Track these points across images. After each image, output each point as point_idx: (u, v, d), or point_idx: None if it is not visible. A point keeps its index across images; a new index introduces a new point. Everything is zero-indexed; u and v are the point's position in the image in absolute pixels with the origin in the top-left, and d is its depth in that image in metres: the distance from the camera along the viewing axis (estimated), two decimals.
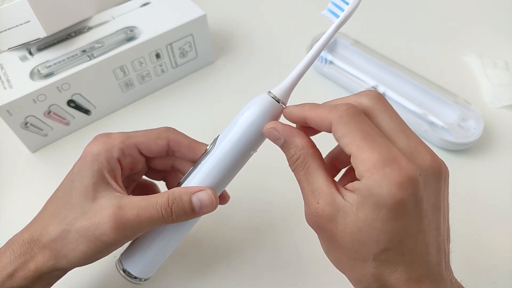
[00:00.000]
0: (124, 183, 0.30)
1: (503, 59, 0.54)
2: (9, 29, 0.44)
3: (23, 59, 0.46)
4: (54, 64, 0.45)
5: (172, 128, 0.31)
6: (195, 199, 0.27)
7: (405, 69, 0.49)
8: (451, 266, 0.25)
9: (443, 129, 0.45)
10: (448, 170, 0.25)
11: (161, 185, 0.36)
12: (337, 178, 0.28)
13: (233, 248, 0.38)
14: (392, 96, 0.48)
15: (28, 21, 0.43)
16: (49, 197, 0.29)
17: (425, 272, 0.22)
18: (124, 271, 0.30)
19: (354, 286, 0.24)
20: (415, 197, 0.21)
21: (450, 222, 0.26)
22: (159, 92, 0.53)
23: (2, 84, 0.43)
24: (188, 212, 0.27)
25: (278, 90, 0.27)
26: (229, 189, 0.30)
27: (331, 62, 0.53)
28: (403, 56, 0.52)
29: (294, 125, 0.27)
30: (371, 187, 0.21)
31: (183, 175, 0.30)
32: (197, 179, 0.28)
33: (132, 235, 0.27)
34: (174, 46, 0.50)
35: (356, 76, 0.51)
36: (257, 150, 0.28)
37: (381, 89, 0.49)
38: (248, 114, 0.26)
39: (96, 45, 0.47)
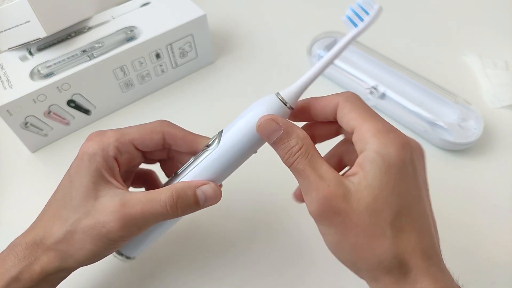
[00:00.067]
0: (122, 177, 0.30)
1: (503, 59, 0.54)
2: (9, 29, 0.44)
3: (23, 59, 0.46)
4: (54, 64, 0.45)
5: (166, 121, 0.31)
6: (199, 192, 0.27)
7: (405, 69, 0.49)
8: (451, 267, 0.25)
9: (443, 129, 0.45)
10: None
11: (157, 168, 0.36)
12: None
13: (230, 244, 0.38)
14: (392, 96, 0.48)
15: (28, 21, 0.43)
16: (49, 197, 0.29)
17: (431, 246, 0.24)
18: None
19: (371, 274, 0.23)
20: (412, 162, 0.24)
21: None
22: (159, 92, 0.53)
23: (2, 84, 0.43)
24: (193, 205, 0.28)
25: (286, 92, 0.26)
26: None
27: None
28: (403, 56, 0.51)
29: None
30: (379, 149, 0.23)
31: (180, 163, 0.30)
32: (200, 173, 0.28)
33: (138, 230, 0.27)
34: (174, 46, 0.50)
35: (356, 76, 0.51)
36: (257, 151, 0.28)
37: (381, 89, 0.48)
38: (255, 114, 0.26)
39: (96, 45, 0.47)
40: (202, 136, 0.31)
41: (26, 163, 0.47)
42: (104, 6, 0.52)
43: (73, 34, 0.48)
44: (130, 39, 0.47)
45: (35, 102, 0.43)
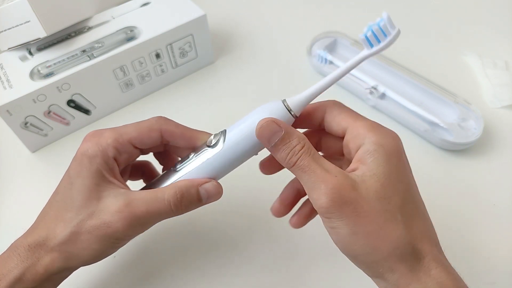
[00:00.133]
0: (121, 173, 0.30)
1: (503, 59, 0.54)
2: (9, 29, 0.44)
3: (23, 59, 0.46)
4: (54, 64, 0.45)
5: (163, 117, 0.31)
6: (202, 191, 0.28)
7: (405, 69, 0.49)
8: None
9: (443, 129, 0.45)
10: None
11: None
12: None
13: (230, 240, 0.38)
14: (392, 96, 0.48)
15: (28, 21, 0.43)
16: (49, 197, 0.29)
17: (434, 233, 0.25)
18: None
19: (387, 264, 0.23)
20: (404, 152, 0.25)
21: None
22: (159, 92, 0.53)
23: (2, 84, 0.43)
24: (196, 203, 0.28)
25: (293, 100, 0.26)
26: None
27: (331, 62, 0.53)
28: (403, 56, 0.51)
29: None
30: (378, 141, 0.24)
31: (178, 156, 0.31)
32: (203, 172, 0.28)
33: (142, 229, 0.28)
34: (174, 46, 0.50)
35: (356, 76, 0.51)
36: (258, 153, 0.29)
37: (381, 89, 0.48)
38: (260, 118, 0.26)
39: (96, 45, 0.47)
40: (200, 131, 0.31)
41: (26, 163, 0.47)
42: (104, 6, 0.52)
43: (73, 34, 0.48)
44: (130, 39, 0.47)
45: (35, 102, 0.43)
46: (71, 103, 0.46)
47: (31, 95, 0.43)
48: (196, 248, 0.39)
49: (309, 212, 0.32)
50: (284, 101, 0.27)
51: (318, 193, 0.24)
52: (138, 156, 0.32)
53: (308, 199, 0.32)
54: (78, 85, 0.45)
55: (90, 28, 0.49)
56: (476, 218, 0.40)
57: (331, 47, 0.54)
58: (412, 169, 0.26)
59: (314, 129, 0.30)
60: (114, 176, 0.28)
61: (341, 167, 0.25)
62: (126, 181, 0.34)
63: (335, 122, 0.27)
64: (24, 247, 0.27)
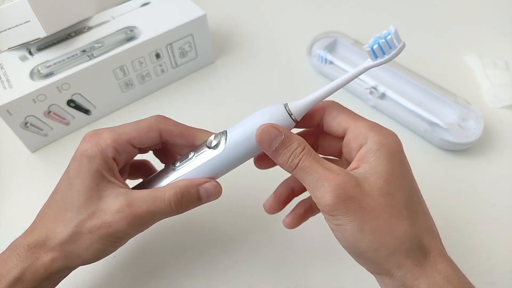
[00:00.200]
0: (120, 172, 0.31)
1: (503, 59, 0.54)
2: (9, 29, 0.44)
3: (23, 59, 0.46)
4: (54, 64, 0.45)
5: (161, 116, 0.31)
6: (202, 190, 0.28)
7: (405, 69, 0.49)
8: None
9: (443, 129, 0.45)
10: None
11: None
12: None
13: (229, 239, 0.38)
14: (392, 96, 0.48)
15: (28, 21, 0.43)
16: (47, 198, 0.29)
17: (436, 228, 0.25)
18: None
19: (393, 260, 0.23)
20: (403, 151, 0.26)
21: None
22: (159, 92, 0.53)
23: (2, 84, 0.43)
24: (195, 202, 0.29)
25: (294, 105, 0.27)
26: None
27: (331, 62, 0.53)
28: (403, 56, 0.51)
29: None
30: (380, 140, 0.24)
31: (177, 153, 0.31)
32: (204, 172, 0.29)
33: (143, 227, 0.28)
34: (174, 46, 0.50)
35: None
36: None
37: (381, 89, 0.48)
38: (262, 121, 0.26)
39: (96, 45, 0.47)
40: (199, 129, 0.31)
41: (26, 163, 0.47)
42: (104, 6, 0.52)
43: (73, 34, 0.48)
44: (130, 39, 0.47)
45: (35, 102, 0.43)
46: (71, 103, 0.46)
47: (31, 95, 0.43)
48: (196, 248, 0.39)
49: (303, 213, 0.32)
50: (286, 105, 0.27)
51: (322, 191, 0.24)
52: (136, 155, 0.32)
53: (302, 201, 0.32)
54: (78, 85, 0.45)
55: (90, 28, 0.49)
56: (476, 218, 0.40)
57: (331, 47, 0.54)
58: (412, 169, 0.26)
59: (311, 130, 0.30)
60: (113, 176, 0.28)
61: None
62: (125, 180, 0.34)
63: (335, 122, 0.27)
64: (23, 247, 0.27)
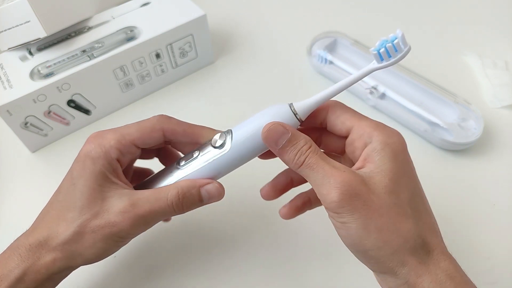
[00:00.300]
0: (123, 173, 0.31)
1: (503, 59, 0.54)
2: (9, 29, 0.44)
3: (23, 59, 0.46)
4: (54, 64, 0.45)
5: (164, 116, 0.31)
6: (203, 192, 0.28)
7: (405, 69, 0.49)
8: None
9: (443, 129, 0.45)
10: None
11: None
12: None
13: (230, 238, 0.38)
14: (392, 96, 0.48)
15: (28, 21, 0.43)
16: (49, 197, 0.29)
17: (438, 227, 0.26)
18: None
19: (397, 258, 0.23)
20: (407, 150, 0.26)
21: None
22: (159, 92, 0.53)
23: (2, 84, 0.43)
24: (197, 203, 0.29)
25: (299, 105, 0.27)
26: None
27: (331, 62, 0.53)
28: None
29: None
30: (384, 139, 0.25)
31: (180, 152, 0.31)
32: (208, 172, 0.29)
33: (146, 227, 0.29)
34: (174, 46, 0.50)
35: None
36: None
37: (381, 89, 0.48)
38: (267, 121, 0.26)
39: (96, 45, 0.47)
40: (202, 127, 0.31)
41: (26, 163, 0.47)
42: (104, 6, 0.52)
43: (73, 34, 0.48)
44: (130, 39, 0.47)
45: (35, 102, 0.43)
46: (71, 103, 0.46)
47: (31, 95, 0.43)
48: (196, 247, 0.39)
49: (301, 205, 0.32)
50: (291, 105, 0.27)
51: (328, 188, 0.24)
52: (139, 155, 0.32)
53: (301, 193, 0.32)
54: (78, 85, 0.45)
55: (90, 28, 0.49)
56: (476, 218, 0.40)
57: (331, 47, 0.54)
58: None
59: (314, 128, 0.30)
60: (117, 177, 0.29)
61: None
62: (130, 174, 0.34)
63: (339, 121, 0.27)
64: (25, 247, 0.27)
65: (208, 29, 0.51)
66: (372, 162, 0.25)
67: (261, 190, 0.32)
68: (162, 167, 0.35)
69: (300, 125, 0.28)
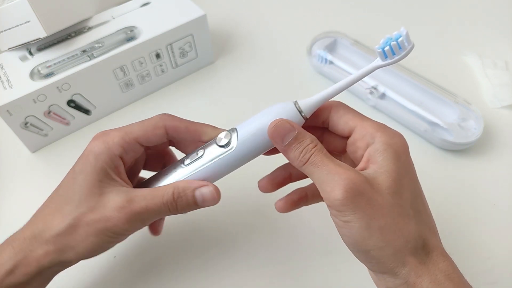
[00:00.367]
0: (127, 174, 0.31)
1: (503, 59, 0.54)
2: (9, 29, 0.44)
3: (23, 59, 0.46)
4: (54, 64, 0.45)
5: (167, 114, 0.31)
6: (198, 194, 0.28)
7: (405, 69, 0.49)
8: None
9: (443, 129, 0.45)
10: None
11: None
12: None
13: (231, 238, 0.39)
14: (392, 96, 0.48)
15: (28, 21, 0.43)
16: (48, 196, 0.29)
17: (436, 228, 0.26)
18: None
19: (398, 258, 0.23)
20: (409, 151, 0.26)
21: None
22: (159, 92, 0.53)
23: (2, 84, 0.43)
24: (192, 205, 0.28)
25: (304, 102, 0.27)
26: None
27: (331, 62, 0.53)
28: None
29: None
30: (387, 140, 0.25)
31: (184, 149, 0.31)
32: (213, 171, 0.29)
33: (141, 224, 0.28)
34: (174, 46, 0.50)
35: None
36: None
37: (381, 89, 0.48)
38: (272, 119, 0.26)
39: (96, 45, 0.47)
40: (205, 124, 0.31)
41: (26, 163, 0.47)
42: (104, 6, 0.52)
43: (73, 34, 0.48)
44: (130, 39, 0.47)
45: (35, 102, 0.43)
46: (71, 103, 0.46)
47: (31, 95, 0.43)
48: (196, 247, 0.39)
49: (297, 200, 0.32)
50: (295, 102, 0.27)
51: (332, 185, 0.24)
52: (143, 157, 0.32)
53: (299, 188, 0.32)
54: (78, 85, 0.45)
55: (90, 28, 0.49)
56: (476, 218, 0.40)
57: (331, 47, 0.54)
58: None
59: (314, 127, 0.30)
60: (118, 175, 0.29)
61: None
62: (136, 177, 0.34)
63: (342, 121, 0.27)
64: (19, 240, 0.27)
65: (208, 29, 0.51)
66: (375, 163, 0.25)
67: (259, 182, 0.32)
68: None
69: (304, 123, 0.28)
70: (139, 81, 0.50)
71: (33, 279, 0.27)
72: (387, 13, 0.62)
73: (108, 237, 0.27)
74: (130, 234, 0.29)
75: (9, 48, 0.46)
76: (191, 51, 0.52)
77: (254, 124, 0.27)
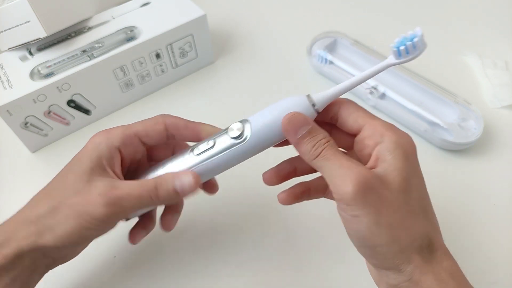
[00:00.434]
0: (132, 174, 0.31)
1: (503, 59, 0.54)
2: (9, 29, 0.44)
3: (23, 59, 0.46)
4: (54, 64, 0.45)
5: (167, 114, 0.32)
6: (177, 182, 0.28)
7: (405, 69, 0.49)
8: None
9: (443, 129, 0.45)
10: None
11: None
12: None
13: (232, 236, 0.39)
14: (392, 96, 0.48)
15: (28, 21, 0.43)
16: None
17: (439, 229, 0.26)
18: None
19: (404, 255, 0.24)
20: (416, 153, 0.26)
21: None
22: (159, 92, 0.53)
23: (2, 84, 0.43)
24: (172, 193, 0.28)
25: (317, 96, 0.27)
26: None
27: (331, 62, 0.53)
28: None
29: None
30: (397, 140, 0.25)
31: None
32: (222, 162, 0.28)
33: (122, 212, 0.28)
34: (174, 46, 0.50)
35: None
36: None
37: (381, 89, 0.49)
38: (285, 111, 0.26)
39: (96, 45, 0.47)
40: (204, 123, 0.31)
41: (26, 163, 0.47)
42: (104, 6, 0.52)
43: (73, 34, 0.48)
44: (130, 39, 0.47)
45: (35, 102, 0.43)
46: (71, 103, 0.46)
47: (31, 95, 0.43)
48: (196, 247, 0.39)
49: (300, 193, 0.32)
50: (308, 96, 0.27)
51: (343, 179, 0.24)
52: (143, 156, 0.32)
53: (302, 182, 0.32)
54: (78, 85, 0.45)
55: (90, 28, 0.49)
56: (476, 218, 0.40)
57: (331, 47, 0.54)
58: None
59: (321, 123, 0.30)
60: (111, 166, 0.29)
61: None
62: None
63: (352, 118, 0.27)
64: (8, 222, 0.28)
65: (208, 29, 0.51)
66: (384, 161, 0.25)
67: (263, 174, 0.32)
68: None
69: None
70: (139, 81, 0.50)
71: (13, 263, 0.27)
72: (387, 13, 0.62)
73: (87, 222, 0.27)
74: (111, 223, 0.28)
75: (9, 48, 0.46)
76: (191, 51, 0.52)
77: (268, 116, 0.27)
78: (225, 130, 0.29)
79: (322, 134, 0.26)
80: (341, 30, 0.55)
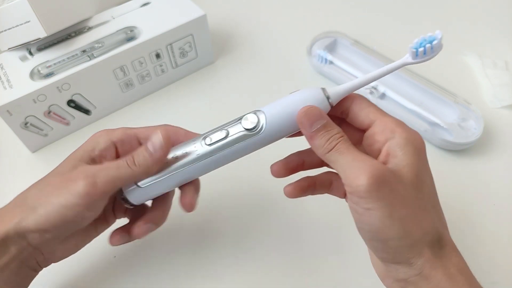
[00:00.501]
0: None
1: (503, 59, 0.54)
2: (9, 29, 0.44)
3: (23, 59, 0.46)
4: (54, 64, 0.45)
5: (169, 124, 0.32)
6: (149, 144, 0.29)
7: (405, 69, 0.49)
8: None
9: (443, 129, 0.45)
10: None
11: None
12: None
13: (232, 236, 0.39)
14: (392, 96, 0.48)
15: (28, 21, 0.43)
16: None
17: (447, 226, 0.27)
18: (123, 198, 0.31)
19: (415, 249, 0.24)
20: (425, 151, 0.26)
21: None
22: (159, 92, 0.53)
23: (2, 84, 0.43)
24: (147, 156, 0.28)
25: (332, 90, 0.27)
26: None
27: (331, 62, 0.53)
28: (403, 56, 0.51)
29: None
30: (408, 137, 0.25)
31: None
32: (235, 153, 0.28)
33: (102, 185, 0.27)
34: (174, 46, 0.50)
35: (356, 76, 0.51)
36: None
37: (381, 89, 0.49)
38: (301, 104, 0.27)
39: (96, 45, 0.47)
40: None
41: (26, 163, 0.47)
42: (104, 6, 0.52)
43: (73, 34, 0.48)
44: (130, 39, 0.47)
45: (35, 102, 0.43)
46: (71, 103, 0.46)
47: (31, 95, 0.43)
48: (196, 247, 0.39)
49: (306, 187, 0.32)
50: (324, 89, 0.27)
51: (357, 172, 0.24)
52: None
53: (308, 176, 0.32)
54: (78, 85, 0.45)
55: (90, 28, 0.49)
56: (476, 218, 0.40)
57: (331, 47, 0.54)
58: None
59: (332, 117, 0.30)
60: (103, 157, 0.30)
61: None
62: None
63: (363, 113, 0.27)
64: (2, 209, 0.29)
65: (208, 29, 0.51)
66: (395, 157, 0.25)
67: (272, 166, 0.32)
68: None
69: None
70: (139, 81, 0.50)
71: None
72: (387, 13, 0.62)
73: (67, 201, 0.26)
74: (93, 202, 0.27)
75: (9, 48, 0.46)
76: (191, 51, 0.52)
77: (283, 108, 0.27)
78: (239, 120, 0.28)
79: (336, 129, 0.26)
80: (341, 30, 0.55)
